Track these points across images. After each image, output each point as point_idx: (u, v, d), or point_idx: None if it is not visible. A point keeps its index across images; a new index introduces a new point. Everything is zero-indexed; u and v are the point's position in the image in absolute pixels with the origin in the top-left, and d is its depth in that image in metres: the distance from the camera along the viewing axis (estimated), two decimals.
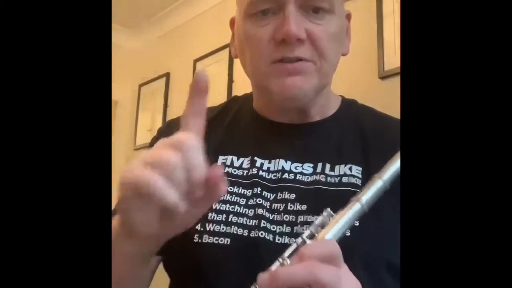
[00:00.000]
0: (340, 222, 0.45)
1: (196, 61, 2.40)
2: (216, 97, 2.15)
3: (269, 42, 0.57)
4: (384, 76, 1.54)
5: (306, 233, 0.45)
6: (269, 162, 0.61)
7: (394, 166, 0.47)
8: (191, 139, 0.40)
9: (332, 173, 0.59)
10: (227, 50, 2.21)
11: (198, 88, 0.45)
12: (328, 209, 0.46)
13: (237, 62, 2.13)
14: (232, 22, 0.67)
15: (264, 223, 0.55)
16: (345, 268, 0.42)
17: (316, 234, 0.44)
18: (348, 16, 0.65)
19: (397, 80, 1.49)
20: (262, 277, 0.40)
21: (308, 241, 0.44)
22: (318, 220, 0.46)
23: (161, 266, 0.65)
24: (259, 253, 0.53)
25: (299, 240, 0.44)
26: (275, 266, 0.43)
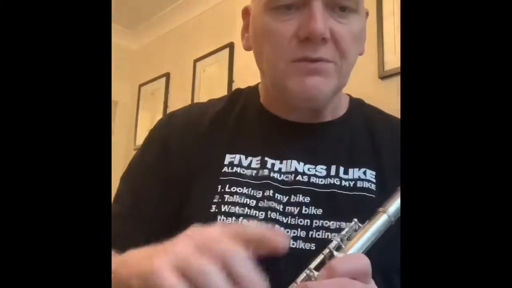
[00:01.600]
0: (367, 234, 0.43)
1: (196, 61, 2.40)
2: (216, 97, 2.15)
3: (291, 39, 0.54)
4: (384, 76, 1.54)
5: (333, 243, 0.43)
6: (281, 163, 0.59)
7: None
8: (239, 252, 0.35)
9: (346, 176, 0.57)
10: (227, 50, 2.21)
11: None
12: (355, 220, 0.45)
13: (237, 62, 2.15)
14: (245, 12, 0.64)
15: (278, 228, 0.54)
16: (372, 284, 0.41)
17: (343, 246, 0.43)
18: (366, 14, 0.63)
19: (397, 80, 1.49)
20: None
21: (335, 253, 0.42)
22: (345, 230, 0.44)
23: None
24: (273, 258, 0.53)
25: (326, 251, 0.43)
26: (301, 277, 0.42)
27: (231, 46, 2.19)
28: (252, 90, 0.69)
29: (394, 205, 0.45)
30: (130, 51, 2.89)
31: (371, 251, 0.52)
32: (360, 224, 0.44)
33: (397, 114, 0.57)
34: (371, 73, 1.58)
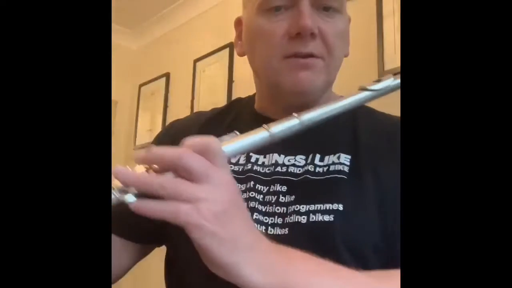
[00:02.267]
0: (240, 140, 0.46)
1: (196, 61, 2.40)
2: (216, 97, 2.15)
3: (282, 37, 0.59)
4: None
5: None
6: (264, 157, 0.63)
7: (317, 112, 0.51)
8: None
9: (321, 163, 0.60)
10: (227, 50, 2.21)
11: None
12: (235, 131, 0.47)
13: (237, 62, 2.15)
14: (238, 22, 0.69)
15: (256, 215, 0.57)
16: (223, 170, 0.43)
17: None
18: (348, 20, 0.66)
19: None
20: (140, 151, 0.42)
21: None
22: (223, 137, 0.46)
23: (152, 258, 0.67)
24: None
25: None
26: None
27: (231, 46, 2.18)
28: (250, 98, 0.73)
29: (279, 126, 0.48)
30: (130, 51, 2.89)
31: (340, 227, 0.54)
32: (238, 133, 0.47)
33: (397, 114, 0.57)
34: (371, 73, 1.57)
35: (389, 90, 0.57)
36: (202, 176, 0.41)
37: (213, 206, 0.40)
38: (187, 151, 0.41)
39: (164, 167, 0.42)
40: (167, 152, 0.42)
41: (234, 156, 0.47)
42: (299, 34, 0.58)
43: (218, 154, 0.43)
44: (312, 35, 0.58)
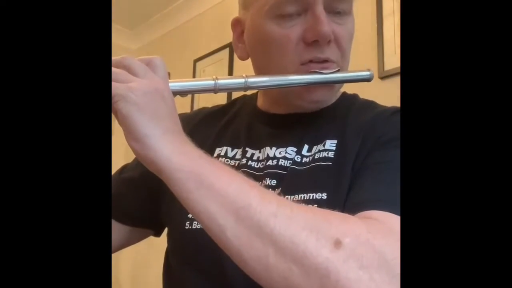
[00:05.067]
0: (186, 82, 0.54)
1: (196, 61, 2.40)
2: (216, 97, 2.15)
3: (297, 43, 0.58)
4: (384, 76, 1.54)
5: None
6: (259, 152, 0.63)
7: (263, 78, 0.58)
8: None
9: (308, 153, 0.60)
10: (227, 50, 2.21)
11: None
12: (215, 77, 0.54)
13: (237, 62, 2.15)
14: (236, 23, 0.66)
15: None
16: (159, 77, 0.49)
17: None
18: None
19: (397, 80, 1.49)
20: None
21: None
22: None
23: (147, 251, 0.67)
24: None
25: None
26: None
27: (231, 46, 2.17)
28: (254, 96, 0.73)
29: (225, 80, 0.55)
30: (130, 51, 2.89)
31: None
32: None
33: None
34: None
35: (345, 80, 0.61)
36: (139, 72, 0.47)
37: (142, 87, 0.45)
38: (129, 57, 0.49)
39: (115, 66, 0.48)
40: (119, 58, 0.49)
41: (181, 92, 0.53)
42: (316, 41, 0.57)
43: (158, 66, 0.50)
44: (329, 41, 0.57)
